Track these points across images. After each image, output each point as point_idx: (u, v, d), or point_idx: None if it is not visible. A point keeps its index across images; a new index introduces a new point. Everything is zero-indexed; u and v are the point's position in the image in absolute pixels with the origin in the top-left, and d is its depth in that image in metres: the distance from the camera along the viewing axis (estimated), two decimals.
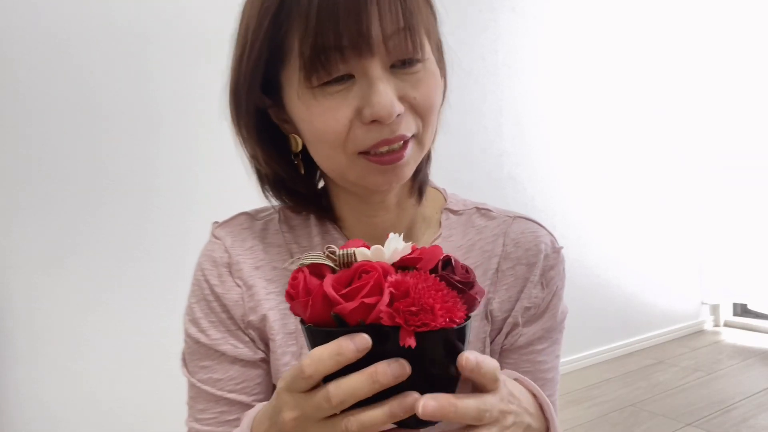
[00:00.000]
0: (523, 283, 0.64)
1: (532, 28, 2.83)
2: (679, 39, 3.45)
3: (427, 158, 0.65)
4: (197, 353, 0.62)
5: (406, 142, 0.54)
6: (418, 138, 0.56)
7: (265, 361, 0.63)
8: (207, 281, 0.62)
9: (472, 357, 0.39)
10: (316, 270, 0.42)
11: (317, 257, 0.43)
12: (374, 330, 0.38)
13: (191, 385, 0.63)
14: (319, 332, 0.40)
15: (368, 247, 0.42)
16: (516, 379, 0.53)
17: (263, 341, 0.63)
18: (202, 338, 0.62)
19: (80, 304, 1.71)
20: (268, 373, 0.64)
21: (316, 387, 0.40)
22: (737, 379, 2.64)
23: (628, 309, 3.19)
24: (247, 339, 0.62)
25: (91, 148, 1.72)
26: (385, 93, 0.51)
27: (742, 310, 3.63)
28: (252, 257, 0.64)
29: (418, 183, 0.64)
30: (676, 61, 3.43)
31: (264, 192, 0.65)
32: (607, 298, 3.07)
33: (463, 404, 0.39)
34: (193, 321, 0.62)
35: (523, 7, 2.79)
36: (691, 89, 3.50)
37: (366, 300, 0.38)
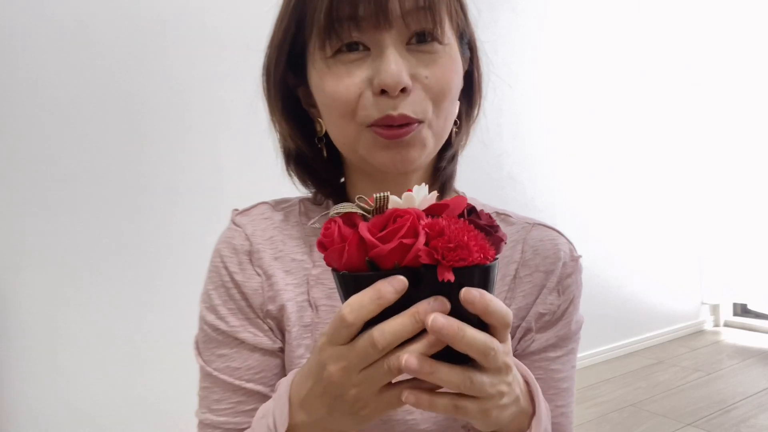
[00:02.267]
0: (540, 289, 0.64)
1: (532, 28, 2.83)
2: (679, 38, 3.45)
3: (452, 157, 0.66)
4: (214, 341, 0.61)
5: (411, 123, 0.55)
6: (428, 123, 0.56)
7: (283, 351, 0.63)
8: (226, 268, 0.62)
9: (475, 291, 0.39)
10: (348, 220, 0.43)
11: (348, 207, 0.43)
12: (409, 272, 0.39)
13: (206, 375, 0.61)
14: (355, 278, 0.41)
15: None
16: None
17: (280, 331, 0.62)
18: (221, 325, 0.61)
19: (69, 303, 1.71)
20: (284, 364, 0.63)
21: (356, 337, 0.41)
22: (737, 379, 2.64)
23: (628, 309, 3.19)
24: (266, 328, 0.62)
25: (91, 148, 1.72)
26: (394, 62, 0.52)
27: (742, 310, 3.63)
28: (272, 247, 0.63)
29: (442, 179, 0.65)
30: (676, 60, 3.44)
31: (288, 170, 0.66)
32: (607, 298, 3.07)
33: (472, 332, 0.39)
34: (211, 308, 0.62)
35: (523, 7, 2.79)
36: (691, 89, 3.50)
37: (404, 240, 0.39)
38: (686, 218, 3.52)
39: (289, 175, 0.67)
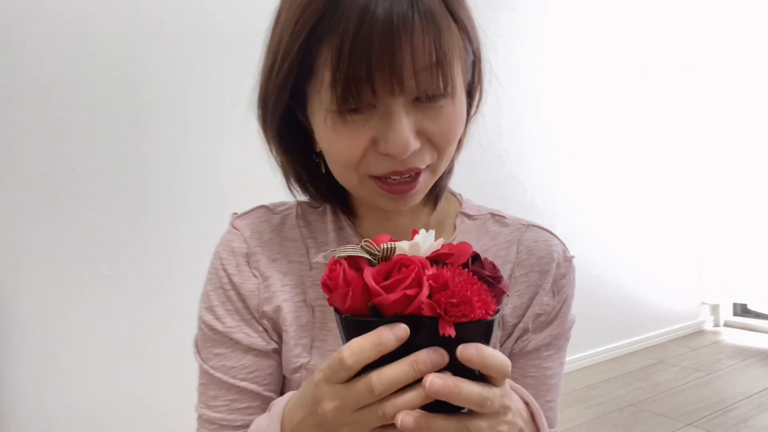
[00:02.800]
0: (535, 290, 0.65)
1: (532, 28, 2.83)
2: (679, 38, 3.45)
3: (449, 171, 0.66)
4: (211, 340, 0.63)
5: (418, 173, 0.55)
6: (431, 167, 0.57)
7: (277, 352, 0.64)
8: (225, 270, 0.64)
9: (472, 348, 0.40)
10: (353, 263, 0.44)
11: (355, 250, 0.44)
12: (411, 320, 0.40)
13: (203, 372, 0.64)
14: (357, 322, 0.41)
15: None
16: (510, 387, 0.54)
17: (276, 332, 0.64)
18: (218, 325, 0.63)
19: (71, 303, 1.71)
20: (280, 365, 0.65)
21: (354, 377, 0.41)
22: (737, 379, 2.64)
23: (628, 309, 3.19)
24: (261, 329, 0.63)
25: (92, 148, 1.72)
26: (402, 132, 0.51)
27: (742, 310, 3.63)
28: (269, 250, 0.65)
29: (435, 193, 0.66)
30: (676, 60, 3.44)
31: (289, 186, 0.67)
32: (606, 298, 3.07)
33: (468, 387, 0.40)
34: (209, 308, 0.64)
35: (523, 7, 2.79)
36: (692, 89, 3.50)
37: (408, 291, 0.39)
38: (686, 218, 3.52)
39: (291, 192, 0.67)
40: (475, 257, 0.45)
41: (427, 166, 0.56)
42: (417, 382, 0.40)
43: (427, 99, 0.52)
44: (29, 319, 1.64)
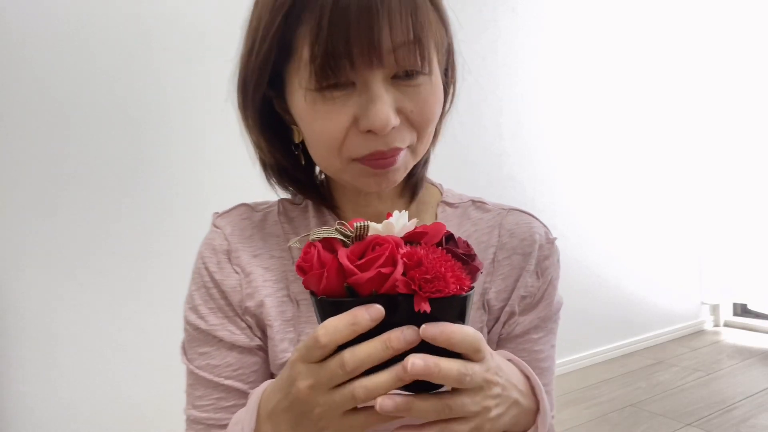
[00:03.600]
0: (519, 272, 0.65)
1: (532, 28, 2.83)
2: (679, 38, 3.45)
3: (424, 162, 0.67)
4: (196, 340, 0.63)
5: (400, 151, 0.56)
6: (411, 148, 0.58)
7: (262, 349, 0.64)
8: (206, 268, 0.64)
9: (435, 328, 0.40)
10: (328, 245, 0.44)
11: (328, 232, 0.44)
12: (386, 299, 0.40)
13: (190, 372, 0.64)
14: (332, 303, 0.42)
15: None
16: (509, 360, 0.54)
17: (260, 328, 0.64)
18: (201, 324, 0.63)
19: (69, 304, 1.71)
20: (265, 361, 0.65)
21: (329, 357, 0.41)
22: (737, 379, 2.64)
23: (628, 309, 3.19)
24: (244, 326, 0.63)
25: (89, 149, 1.72)
26: (383, 107, 0.51)
27: (742, 310, 3.63)
28: (251, 246, 0.65)
29: (411, 185, 0.66)
30: (676, 60, 3.44)
31: (268, 179, 0.67)
32: (607, 298, 3.07)
33: (446, 364, 0.40)
34: (193, 308, 0.64)
35: (523, 7, 2.79)
36: (691, 89, 3.50)
37: (382, 270, 0.39)
38: (686, 218, 3.52)
39: (270, 185, 0.67)
40: (449, 237, 0.45)
41: (408, 146, 0.56)
42: (390, 362, 0.40)
43: (405, 76, 0.53)
44: (28, 319, 1.64)
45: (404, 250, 0.41)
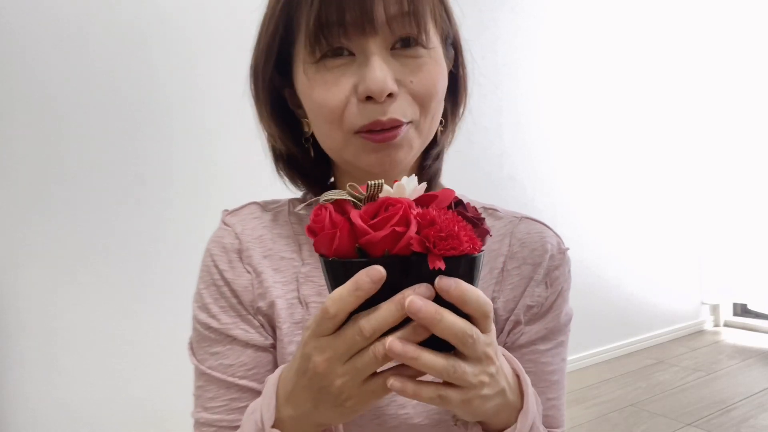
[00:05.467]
0: (528, 282, 0.64)
1: (532, 28, 2.83)
2: (679, 38, 3.45)
3: (438, 155, 0.66)
4: (207, 339, 0.62)
5: (399, 125, 0.55)
6: (415, 124, 0.57)
7: (275, 348, 0.63)
8: (216, 267, 0.62)
9: (451, 280, 0.39)
10: (339, 207, 0.43)
11: (339, 194, 0.43)
12: (399, 260, 0.40)
13: (200, 374, 0.62)
14: (343, 264, 0.41)
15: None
16: (503, 355, 0.53)
17: (272, 327, 0.63)
18: (213, 323, 0.61)
19: (69, 303, 1.71)
20: (276, 361, 0.63)
21: (340, 327, 0.41)
22: (737, 379, 2.64)
23: (628, 309, 3.19)
24: (257, 324, 0.62)
25: (89, 147, 1.72)
26: (379, 69, 0.52)
27: (742, 310, 3.63)
28: (261, 246, 0.64)
29: (427, 177, 0.66)
30: (676, 60, 3.44)
31: (278, 170, 0.67)
32: (606, 298, 3.07)
33: (450, 317, 0.40)
34: (203, 307, 0.62)
35: (523, 7, 2.79)
36: (691, 89, 3.50)
37: (396, 228, 0.39)
38: (686, 218, 3.52)
39: (280, 175, 0.67)
40: (458, 202, 0.45)
41: (410, 121, 0.56)
42: (406, 323, 0.40)
43: (403, 46, 0.54)
44: (27, 319, 1.64)
45: (417, 210, 0.41)
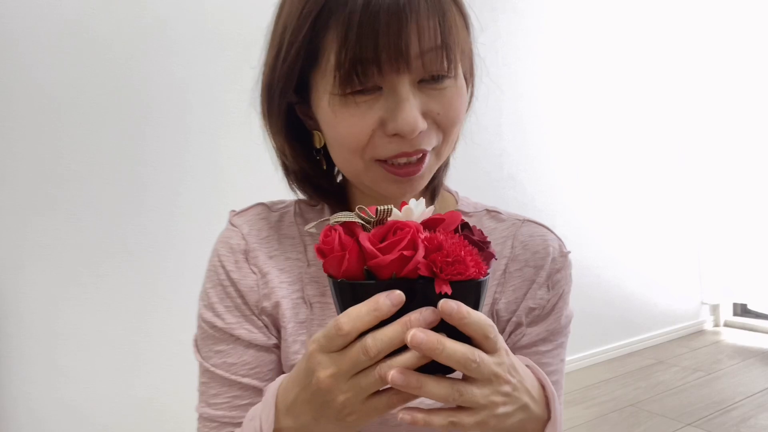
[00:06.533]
0: (530, 284, 0.65)
1: (532, 28, 2.83)
2: (679, 38, 3.45)
3: (445, 165, 0.67)
4: (212, 338, 0.63)
5: (424, 155, 0.56)
6: (436, 150, 0.57)
7: (278, 348, 0.64)
8: (223, 267, 0.63)
9: (453, 303, 0.40)
10: (348, 229, 0.44)
11: (349, 216, 0.44)
12: (406, 283, 0.41)
13: (204, 370, 0.63)
14: (353, 286, 0.42)
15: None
16: (527, 366, 0.53)
17: (276, 328, 0.64)
18: (218, 322, 0.62)
19: (71, 303, 1.71)
20: (280, 360, 0.65)
21: (347, 345, 0.42)
22: (737, 379, 2.64)
23: (628, 309, 3.19)
24: (261, 324, 0.63)
25: (93, 148, 1.72)
26: (411, 111, 0.51)
27: (742, 310, 3.63)
28: (267, 247, 0.65)
29: (432, 188, 0.67)
30: (676, 60, 3.44)
31: (290, 184, 0.67)
32: (607, 298, 3.07)
33: (451, 344, 0.40)
34: (209, 306, 0.63)
35: (523, 7, 2.79)
36: (691, 89, 3.50)
37: (405, 252, 0.40)
38: (686, 218, 3.52)
39: (292, 190, 0.68)
40: (464, 225, 0.46)
41: (433, 148, 0.57)
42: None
43: (432, 80, 0.53)
44: (29, 319, 1.64)
45: (425, 235, 0.42)
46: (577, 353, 2.91)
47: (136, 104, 1.80)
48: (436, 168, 0.60)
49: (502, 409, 0.44)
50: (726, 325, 3.60)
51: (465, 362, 0.40)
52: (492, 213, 0.70)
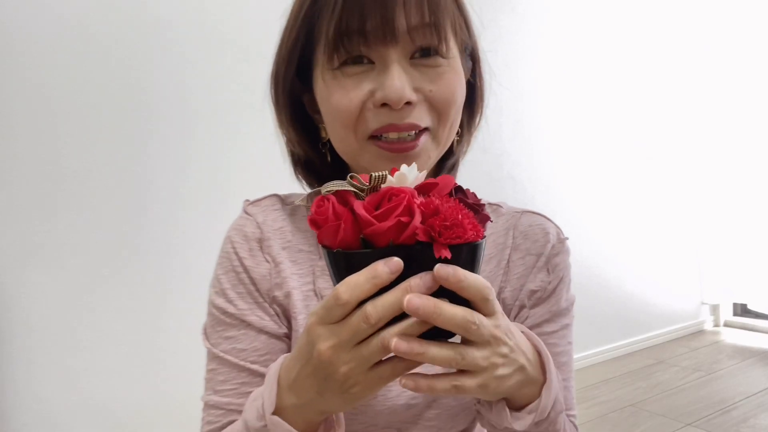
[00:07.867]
0: (531, 270, 0.67)
1: (532, 28, 2.83)
2: (679, 38, 3.45)
3: (453, 166, 0.68)
4: (222, 324, 0.63)
5: (419, 133, 0.57)
6: (432, 133, 0.58)
7: (288, 337, 0.64)
8: (236, 253, 0.64)
9: (449, 268, 0.40)
10: (341, 198, 0.43)
11: (340, 184, 0.43)
12: (403, 249, 0.40)
13: (213, 357, 0.63)
14: (350, 256, 0.41)
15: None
16: (522, 332, 0.54)
17: (286, 318, 0.64)
18: (230, 308, 0.63)
19: (76, 302, 1.71)
20: (290, 350, 0.65)
21: (347, 315, 0.41)
22: (737, 379, 2.64)
23: (628, 309, 3.19)
24: (272, 312, 0.64)
25: (97, 148, 1.72)
26: (398, 77, 0.53)
27: (742, 310, 3.63)
28: (280, 237, 0.66)
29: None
30: (676, 60, 3.44)
31: (296, 174, 0.69)
32: (607, 298, 3.07)
33: (449, 308, 0.40)
34: (220, 292, 0.64)
35: (523, 7, 2.79)
36: (691, 89, 3.50)
37: (401, 218, 0.40)
38: (686, 218, 3.52)
39: (298, 179, 0.69)
40: (458, 188, 0.46)
41: (427, 128, 0.57)
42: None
43: (423, 56, 0.55)
44: (33, 319, 1.64)
45: (420, 200, 0.41)
46: (577, 353, 2.91)
47: (137, 104, 1.80)
48: (436, 154, 0.60)
49: (501, 371, 0.45)
50: (726, 325, 3.60)
51: (465, 324, 0.41)
52: (493, 206, 0.72)
